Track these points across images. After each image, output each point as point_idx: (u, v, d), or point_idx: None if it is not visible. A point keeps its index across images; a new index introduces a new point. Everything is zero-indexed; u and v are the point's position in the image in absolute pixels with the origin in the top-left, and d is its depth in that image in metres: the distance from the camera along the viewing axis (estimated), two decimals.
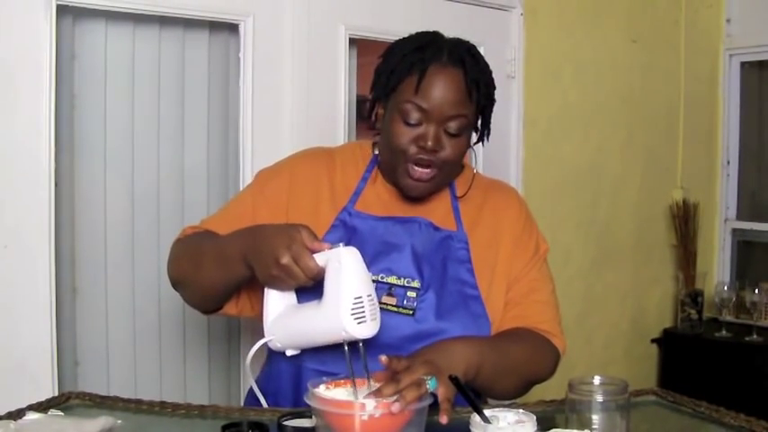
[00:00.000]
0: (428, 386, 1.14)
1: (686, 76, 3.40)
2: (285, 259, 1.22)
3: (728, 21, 3.48)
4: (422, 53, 1.39)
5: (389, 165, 1.45)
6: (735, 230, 3.55)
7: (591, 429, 1.13)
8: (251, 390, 1.47)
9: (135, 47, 2.19)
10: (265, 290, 1.33)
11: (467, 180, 1.53)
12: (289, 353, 1.32)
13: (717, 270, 3.55)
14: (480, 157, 2.71)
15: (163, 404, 1.38)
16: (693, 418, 1.35)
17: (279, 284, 1.28)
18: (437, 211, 1.50)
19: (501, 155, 2.82)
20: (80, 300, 2.13)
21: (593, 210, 3.11)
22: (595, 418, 1.13)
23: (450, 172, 1.47)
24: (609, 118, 3.14)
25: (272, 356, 1.48)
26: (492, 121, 1.51)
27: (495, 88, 1.47)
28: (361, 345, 1.22)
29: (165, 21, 2.20)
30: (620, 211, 3.21)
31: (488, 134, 1.51)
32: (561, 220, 3.01)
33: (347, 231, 1.44)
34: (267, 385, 1.45)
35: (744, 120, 3.52)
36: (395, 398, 1.08)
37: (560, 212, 3.00)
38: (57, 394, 1.52)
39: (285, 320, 1.31)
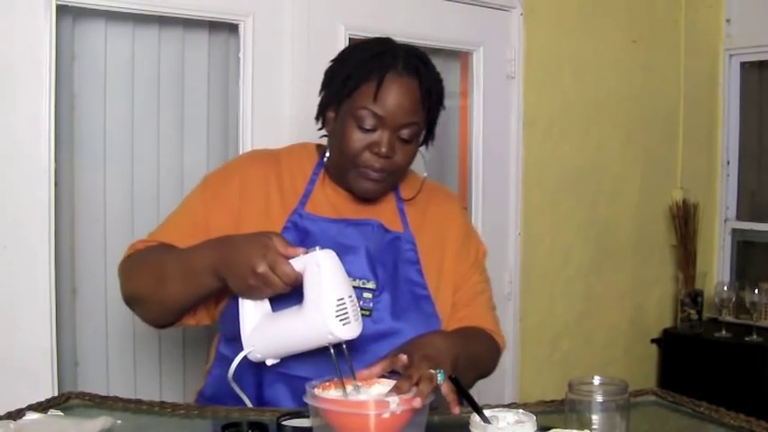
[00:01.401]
0: (438, 379, 1.16)
1: (686, 76, 3.40)
2: (261, 268, 1.23)
3: (728, 21, 3.48)
4: (379, 61, 1.41)
5: (341, 168, 1.46)
6: (735, 230, 3.55)
7: (591, 429, 1.13)
8: (201, 393, 1.47)
9: (135, 47, 2.19)
10: (240, 301, 1.31)
11: (410, 183, 1.56)
12: (269, 362, 1.31)
13: (717, 270, 3.55)
14: (481, 156, 2.74)
15: (162, 404, 1.38)
16: (693, 418, 1.35)
17: (255, 294, 1.28)
18: (385, 213, 1.52)
19: (501, 155, 2.82)
20: (80, 300, 2.14)
21: (593, 210, 3.11)
22: (595, 418, 1.13)
23: (400, 176, 1.50)
24: (609, 118, 3.14)
25: (224, 361, 1.46)
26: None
27: (444, 97, 1.52)
28: (344, 346, 1.22)
29: (164, 21, 2.20)
30: (620, 212, 3.22)
31: (432, 139, 1.55)
32: (561, 220, 3.01)
33: (299, 233, 1.45)
34: (221, 389, 1.44)
35: (744, 120, 3.52)
36: (411, 393, 1.11)
37: (560, 212, 3.01)
38: (56, 394, 1.52)
39: (264, 330, 1.30)
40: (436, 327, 1.46)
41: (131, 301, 1.47)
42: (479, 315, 1.54)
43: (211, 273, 1.32)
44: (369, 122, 1.40)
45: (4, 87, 1.86)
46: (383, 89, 1.39)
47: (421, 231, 1.53)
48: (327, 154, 1.51)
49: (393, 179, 1.48)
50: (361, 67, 1.42)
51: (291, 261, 1.24)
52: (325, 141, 1.55)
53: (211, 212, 1.46)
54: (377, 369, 1.24)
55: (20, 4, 1.86)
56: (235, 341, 1.43)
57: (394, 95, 1.40)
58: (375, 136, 1.41)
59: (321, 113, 1.51)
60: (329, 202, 1.50)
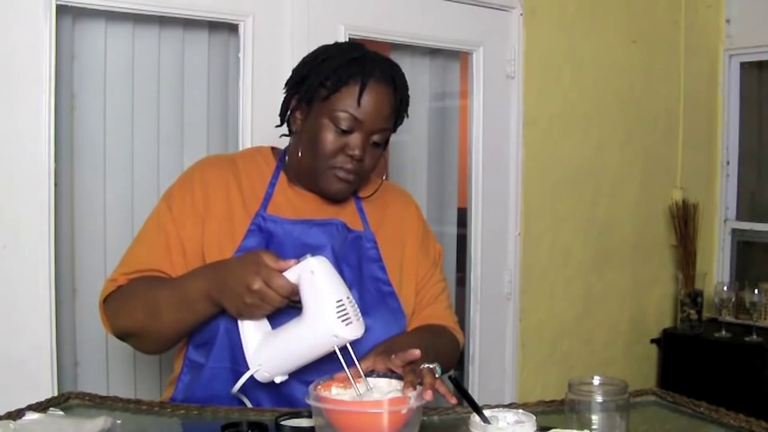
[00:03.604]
0: (438, 371, 1.19)
1: (686, 76, 3.40)
2: (257, 285, 1.24)
3: (728, 21, 3.48)
4: (360, 66, 1.43)
5: (311, 169, 1.47)
6: (734, 231, 3.55)
7: (591, 429, 1.13)
8: (172, 401, 1.47)
9: (135, 47, 2.19)
10: (240, 323, 1.32)
11: (369, 182, 1.59)
12: (277, 380, 1.31)
13: (716, 270, 3.55)
14: (481, 156, 2.74)
15: (162, 404, 1.38)
16: (693, 418, 1.35)
17: (254, 312, 1.29)
18: (345, 212, 1.54)
19: (501, 155, 2.82)
20: (80, 300, 2.14)
21: (592, 210, 3.12)
22: (595, 418, 1.13)
23: (366, 178, 1.53)
24: (608, 118, 3.14)
25: (193, 367, 1.47)
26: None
27: (408, 107, 1.55)
28: (349, 346, 1.23)
29: (164, 21, 2.20)
30: (620, 212, 3.22)
31: (385, 145, 1.57)
32: (561, 220, 3.01)
33: (264, 236, 1.46)
34: (192, 395, 1.44)
35: (743, 120, 3.52)
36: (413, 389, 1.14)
37: (560, 212, 3.01)
38: (56, 394, 1.53)
39: (268, 347, 1.30)
40: (402, 322, 1.50)
41: (124, 336, 1.48)
42: (441, 313, 1.60)
43: (205, 299, 1.33)
44: (346, 125, 1.43)
45: (4, 87, 1.86)
46: (365, 94, 1.42)
47: (380, 229, 1.56)
48: (288, 155, 1.53)
49: (361, 181, 1.51)
50: (341, 71, 1.43)
51: (285, 273, 1.25)
52: (281, 144, 1.56)
53: (181, 225, 1.46)
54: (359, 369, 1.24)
55: (20, 4, 1.86)
56: (203, 347, 1.44)
57: (373, 101, 1.43)
58: (349, 138, 1.44)
59: (286, 113, 1.52)
60: (290, 203, 1.51)
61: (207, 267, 1.38)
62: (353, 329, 1.23)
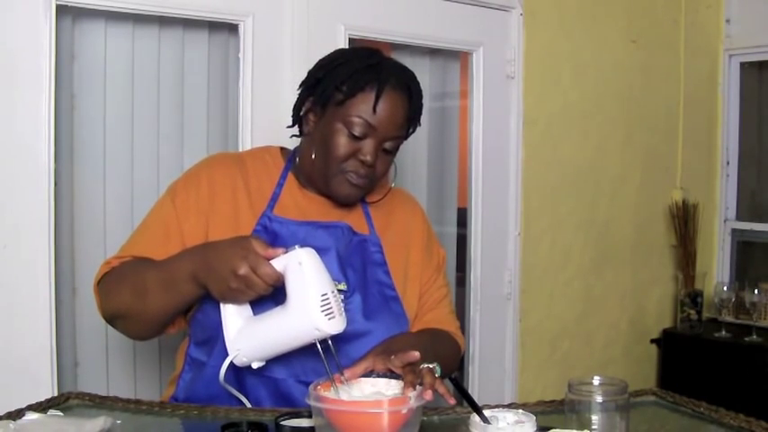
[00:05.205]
0: (438, 371, 1.20)
1: (686, 76, 3.40)
2: (243, 270, 1.24)
3: (728, 21, 3.48)
4: (376, 73, 1.44)
5: (322, 172, 1.48)
6: (734, 231, 3.55)
7: (590, 429, 1.13)
8: (174, 399, 1.48)
9: (134, 47, 2.19)
10: (222, 306, 1.32)
11: (376, 187, 1.59)
12: (255, 365, 1.32)
13: (716, 270, 3.55)
14: (481, 156, 2.74)
15: (162, 404, 1.38)
16: (693, 418, 1.35)
17: (238, 297, 1.29)
18: (351, 216, 1.55)
19: (501, 155, 2.82)
20: (80, 300, 2.14)
21: (592, 210, 3.11)
22: (595, 418, 1.13)
23: (376, 184, 1.54)
24: (608, 118, 3.14)
25: (194, 365, 1.47)
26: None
27: (421, 115, 1.56)
28: (331, 342, 1.24)
29: (164, 21, 2.20)
30: (620, 212, 3.22)
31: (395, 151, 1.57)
32: (561, 220, 3.01)
33: (269, 236, 1.46)
34: (194, 393, 1.45)
35: (743, 120, 3.52)
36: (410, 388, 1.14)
37: (560, 212, 3.01)
38: (56, 394, 1.53)
39: (249, 333, 1.30)
40: (405, 327, 1.50)
41: (113, 317, 1.48)
42: (443, 318, 1.60)
43: (191, 280, 1.33)
44: (359, 131, 1.43)
45: (4, 87, 1.86)
46: (380, 101, 1.42)
47: (386, 234, 1.56)
48: (299, 156, 1.54)
49: (371, 186, 1.51)
50: (357, 76, 1.43)
51: (272, 262, 1.25)
52: (286, 143, 1.56)
53: (183, 218, 1.46)
54: (359, 369, 1.25)
55: (20, 4, 1.86)
56: (205, 345, 1.44)
57: (388, 108, 1.43)
58: (362, 144, 1.44)
59: (299, 114, 1.52)
60: (297, 205, 1.51)
61: (196, 248, 1.37)
62: (335, 324, 1.24)
